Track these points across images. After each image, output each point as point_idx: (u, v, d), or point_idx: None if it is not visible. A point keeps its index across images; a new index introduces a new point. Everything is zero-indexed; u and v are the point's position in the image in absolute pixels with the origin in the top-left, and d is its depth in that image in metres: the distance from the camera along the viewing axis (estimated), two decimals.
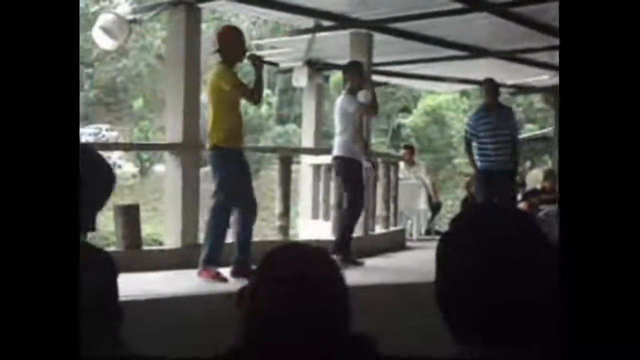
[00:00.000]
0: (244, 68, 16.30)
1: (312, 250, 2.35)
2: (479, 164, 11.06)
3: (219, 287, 7.84)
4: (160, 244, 11.68)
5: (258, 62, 8.46)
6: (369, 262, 10.26)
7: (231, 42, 8.44)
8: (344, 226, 10.14)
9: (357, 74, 10.20)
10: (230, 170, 8.35)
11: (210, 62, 8.83)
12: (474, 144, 11.11)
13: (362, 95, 10.01)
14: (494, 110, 11.17)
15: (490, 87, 11.34)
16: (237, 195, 8.33)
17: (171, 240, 9.90)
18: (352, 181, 10.03)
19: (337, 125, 10.09)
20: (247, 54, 8.51)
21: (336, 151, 10.11)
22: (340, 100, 10.19)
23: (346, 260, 9.53)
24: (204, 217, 8.89)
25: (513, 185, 11.31)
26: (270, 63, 9.55)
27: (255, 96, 8.46)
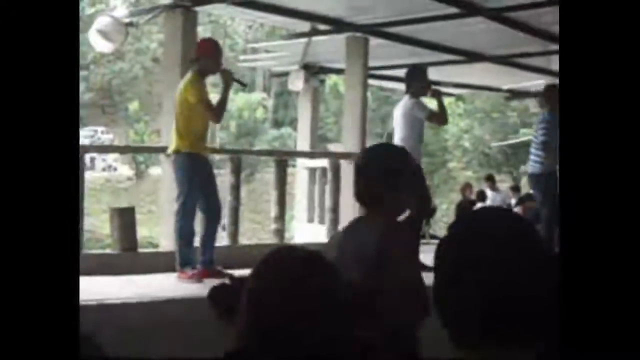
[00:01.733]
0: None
1: (308, 253, 2.36)
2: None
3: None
4: (156, 246, 11.67)
5: (228, 79, 8.53)
6: None
7: (207, 54, 8.54)
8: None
9: (423, 79, 9.84)
10: (191, 175, 8.44)
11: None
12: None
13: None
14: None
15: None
16: (199, 199, 8.44)
17: (167, 242, 9.90)
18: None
19: (401, 130, 9.69)
20: (221, 68, 8.58)
21: None
22: (405, 104, 9.76)
23: None
24: (198, 220, 8.91)
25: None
26: (240, 83, 9.50)
27: (215, 115, 8.55)
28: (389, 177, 3.53)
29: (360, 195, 3.62)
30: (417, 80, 9.78)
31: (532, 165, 10.55)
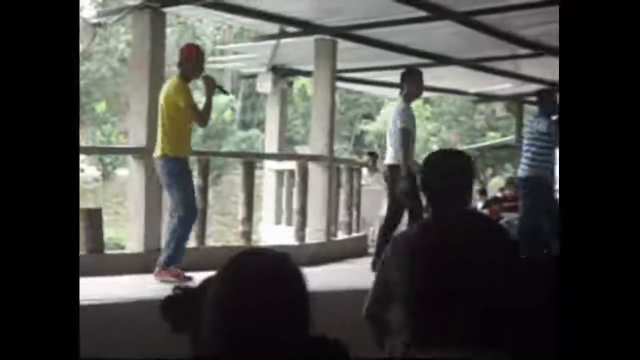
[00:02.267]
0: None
1: (275, 255, 2.36)
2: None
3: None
4: (122, 248, 11.63)
5: (211, 86, 8.58)
6: (331, 267, 10.27)
7: (191, 59, 8.59)
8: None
9: (417, 82, 9.84)
10: (184, 181, 8.50)
11: (173, 66, 8.84)
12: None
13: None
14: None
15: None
16: (181, 203, 8.48)
17: (133, 244, 9.88)
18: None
19: (391, 135, 9.58)
20: (203, 74, 8.62)
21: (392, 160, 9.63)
22: (396, 108, 9.72)
23: None
24: (166, 222, 8.90)
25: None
26: (223, 90, 9.52)
27: (203, 119, 8.60)
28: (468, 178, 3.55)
29: (444, 192, 3.52)
30: (410, 83, 9.75)
31: (523, 169, 10.62)
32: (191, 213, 8.48)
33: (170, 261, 8.44)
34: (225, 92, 9.96)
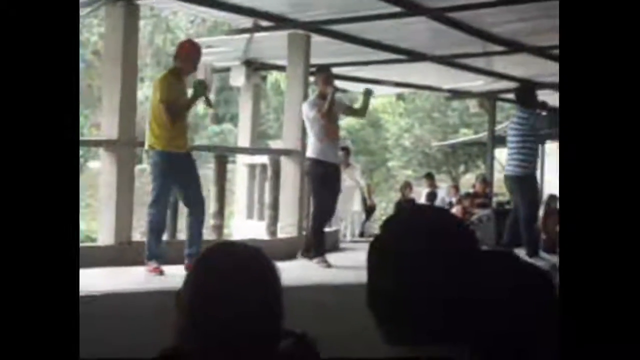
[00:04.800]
0: None
1: (247, 249, 2.37)
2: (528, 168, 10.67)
3: (151, 285, 7.82)
4: (93, 240, 11.59)
5: (198, 92, 8.78)
6: (303, 262, 10.29)
7: (184, 55, 8.79)
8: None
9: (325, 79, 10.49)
10: (162, 172, 8.62)
11: (146, 59, 8.88)
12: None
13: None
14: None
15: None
16: (179, 195, 8.91)
17: (105, 237, 9.84)
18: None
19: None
20: (197, 78, 8.79)
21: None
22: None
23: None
24: (137, 215, 8.91)
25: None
26: (208, 103, 9.53)
27: (168, 118, 8.58)
28: None
29: None
30: (319, 80, 10.59)
31: (510, 168, 10.66)
32: (153, 205, 8.65)
33: (149, 254, 8.67)
34: (209, 105, 9.90)
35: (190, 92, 8.81)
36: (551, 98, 12.53)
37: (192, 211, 8.74)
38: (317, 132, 10.20)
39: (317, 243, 10.34)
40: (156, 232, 8.71)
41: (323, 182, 10.21)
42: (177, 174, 8.63)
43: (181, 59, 8.75)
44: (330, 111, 10.17)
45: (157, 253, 8.63)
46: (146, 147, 8.77)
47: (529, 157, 10.47)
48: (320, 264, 9.94)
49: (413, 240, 1.89)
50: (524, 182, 10.54)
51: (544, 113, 10.62)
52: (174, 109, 8.51)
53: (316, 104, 10.23)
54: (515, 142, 10.62)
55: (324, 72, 10.53)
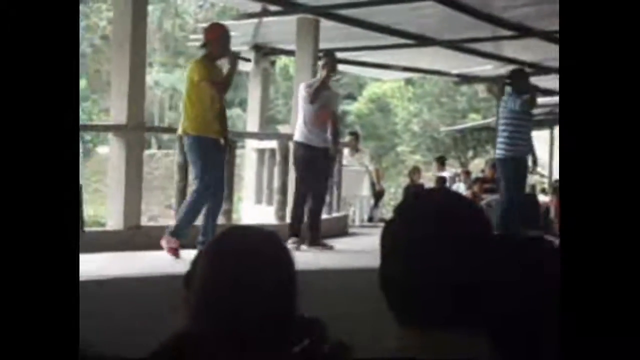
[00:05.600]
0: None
1: (261, 232, 2.36)
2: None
3: (161, 269, 7.83)
4: (102, 225, 11.61)
5: (234, 60, 8.82)
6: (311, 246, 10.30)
7: (214, 38, 8.80)
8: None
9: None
10: (201, 157, 8.71)
11: (155, 44, 8.89)
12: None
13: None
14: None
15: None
16: (195, 177, 8.87)
17: (113, 222, 9.86)
18: None
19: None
20: (229, 52, 8.80)
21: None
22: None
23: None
24: (146, 199, 8.92)
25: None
26: (242, 58, 9.56)
27: (218, 89, 8.72)
28: None
29: None
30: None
31: (499, 151, 10.69)
32: (202, 187, 8.65)
33: (175, 230, 8.66)
34: (244, 59, 10.08)
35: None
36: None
37: (214, 198, 8.77)
38: (305, 115, 10.19)
39: (291, 222, 10.34)
40: (196, 213, 8.76)
41: (307, 165, 10.18)
42: (209, 158, 8.70)
43: (210, 43, 8.78)
44: (318, 94, 10.07)
45: (185, 232, 8.65)
46: (179, 132, 8.95)
47: (512, 140, 10.47)
48: (294, 244, 9.65)
49: (427, 223, 1.88)
50: (506, 164, 10.57)
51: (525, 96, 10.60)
52: (221, 79, 8.64)
53: (309, 87, 10.22)
54: (500, 124, 10.75)
55: (325, 57, 10.46)
